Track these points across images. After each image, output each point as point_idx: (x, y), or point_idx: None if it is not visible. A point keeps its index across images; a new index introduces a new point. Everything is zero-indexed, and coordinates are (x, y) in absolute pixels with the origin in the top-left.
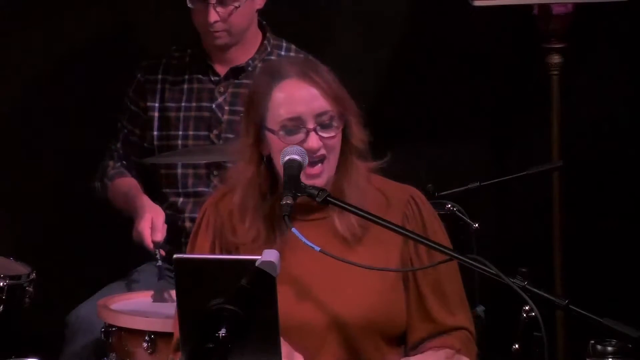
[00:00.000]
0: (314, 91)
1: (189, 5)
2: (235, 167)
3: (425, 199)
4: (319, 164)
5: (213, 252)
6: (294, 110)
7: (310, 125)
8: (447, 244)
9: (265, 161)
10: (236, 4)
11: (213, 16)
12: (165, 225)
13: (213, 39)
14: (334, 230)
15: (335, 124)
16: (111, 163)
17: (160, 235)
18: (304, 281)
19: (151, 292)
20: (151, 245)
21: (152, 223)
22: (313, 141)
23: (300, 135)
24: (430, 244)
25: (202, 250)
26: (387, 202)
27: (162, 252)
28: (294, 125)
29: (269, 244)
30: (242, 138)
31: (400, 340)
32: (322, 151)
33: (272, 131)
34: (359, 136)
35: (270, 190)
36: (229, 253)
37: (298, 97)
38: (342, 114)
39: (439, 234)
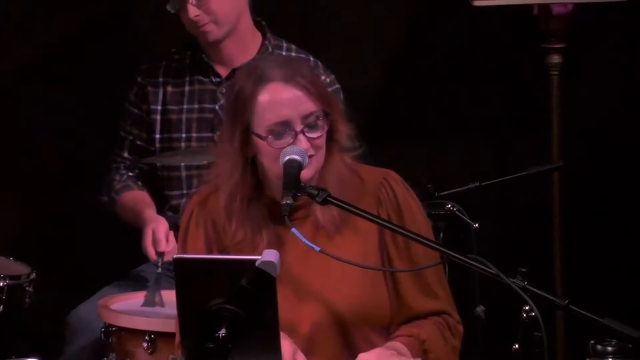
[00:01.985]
0: (298, 93)
1: (171, 11)
2: (219, 169)
3: (401, 179)
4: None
5: (210, 250)
6: (280, 115)
7: (298, 128)
8: (426, 224)
9: (249, 163)
10: None
11: (192, 11)
12: (171, 233)
13: (204, 35)
14: (315, 225)
15: (321, 123)
16: (117, 177)
17: (162, 246)
18: (290, 281)
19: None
20: (154, 257)
21: (153, 236)
22: (302, 143)
23: (289, 139)
24: (429, 243)
25: (195, 251)
26: (362, 187)
27: (170, 259)
28: (282, 129)
29: (254, 246)
30: (227, 142)
31: (390, 328)
32: (311, 151)
33: (260, 136)
34: (345, 132)
35: (254, 193)
36: (225, 250)
37: (284, 100)
38: (327, 113)
39: (416, 214)
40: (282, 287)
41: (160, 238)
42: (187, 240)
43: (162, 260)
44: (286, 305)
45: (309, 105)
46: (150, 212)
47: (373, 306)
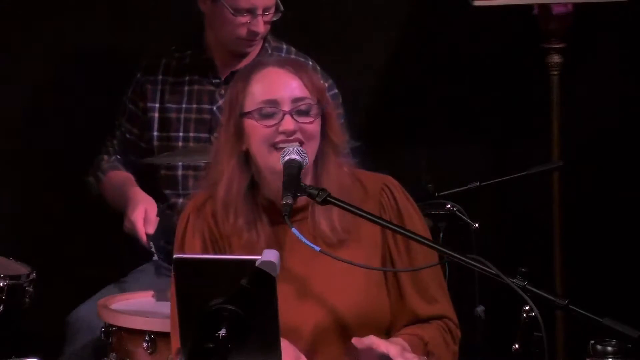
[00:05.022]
0: (292, 78)
1: (233, 16)
2: (216, 165)
3: (400, 185)
4: None
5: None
6: (270, 93)
7: (286, 108)
8: (425, 229)
9: (245, 160)
10: (272, 10)
11: (261, 26)
12: (157, 218)
13: (244, 47)
14: (316, 231)
15: (313, 112)
16: (106, 157)
17: (152, 228)
18: (289, 280)
19: (151, 292)
20: (145, 238)
21: (145, 214)
22: (288, 123)
23: (276, 119)
24: (430, 244)
25: None
26: (365, 193)
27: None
28: (270, 108)
29: (252, 240)
30: (223, 132)
31: (390, 332)
32: (299, 135)
33: (249, 114)
34: (339, 133)
35: (249, 186)
36: (223, 253)
37: (276, 81)
38: (321, 106)
39: (415, 219)
40: (284, 289)
41: (151, 218)
42: (184, 247)
43: (151, 244)
44: (289, 307)
45: (301, 91)
46: (139, 190)
47: (375, 312)
